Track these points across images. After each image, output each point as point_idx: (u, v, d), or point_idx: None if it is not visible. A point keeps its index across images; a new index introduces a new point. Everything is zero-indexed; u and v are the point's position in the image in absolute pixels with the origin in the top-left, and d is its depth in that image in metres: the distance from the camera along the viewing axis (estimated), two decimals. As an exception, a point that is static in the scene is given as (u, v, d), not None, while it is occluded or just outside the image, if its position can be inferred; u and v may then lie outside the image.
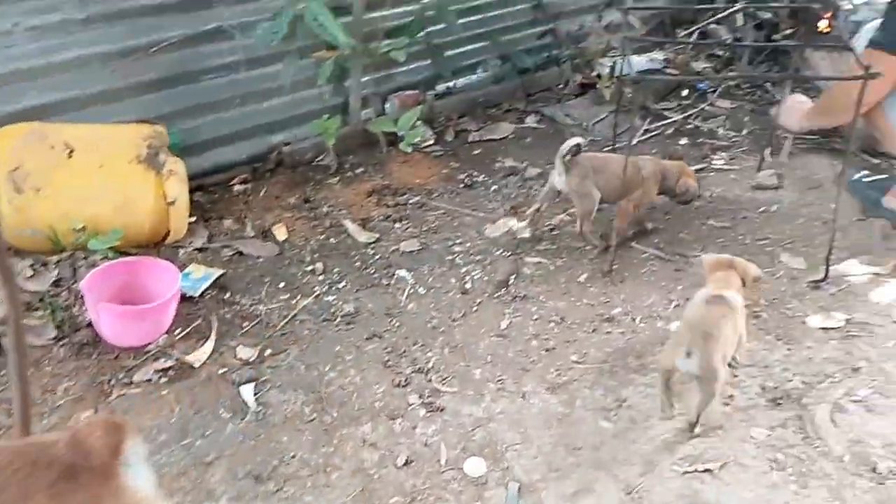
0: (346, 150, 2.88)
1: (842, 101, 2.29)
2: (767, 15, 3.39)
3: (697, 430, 1.68)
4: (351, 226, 2.50)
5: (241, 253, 2.36)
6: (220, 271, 2.24)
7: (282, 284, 2.23)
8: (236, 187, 2.68)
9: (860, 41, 2.47)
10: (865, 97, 1.97)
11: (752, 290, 1.88)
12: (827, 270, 2.15)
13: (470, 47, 3.28)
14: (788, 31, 3.30)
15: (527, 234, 2.43)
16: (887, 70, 2.16)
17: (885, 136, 2.40)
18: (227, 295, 2.19)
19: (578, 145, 2.27)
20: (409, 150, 2.77)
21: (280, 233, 2.45)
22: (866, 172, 2.59)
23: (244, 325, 2.07)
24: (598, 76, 3.33)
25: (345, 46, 2.50)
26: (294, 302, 2.16)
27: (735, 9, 3.28)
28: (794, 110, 2.82)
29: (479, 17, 3.23)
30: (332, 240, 2.44)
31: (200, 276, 2.21)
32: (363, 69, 2.84)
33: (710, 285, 1.77)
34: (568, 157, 2.26)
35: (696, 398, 1.67)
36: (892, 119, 2.33)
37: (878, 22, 2.54)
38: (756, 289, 1.95)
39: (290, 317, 2.10)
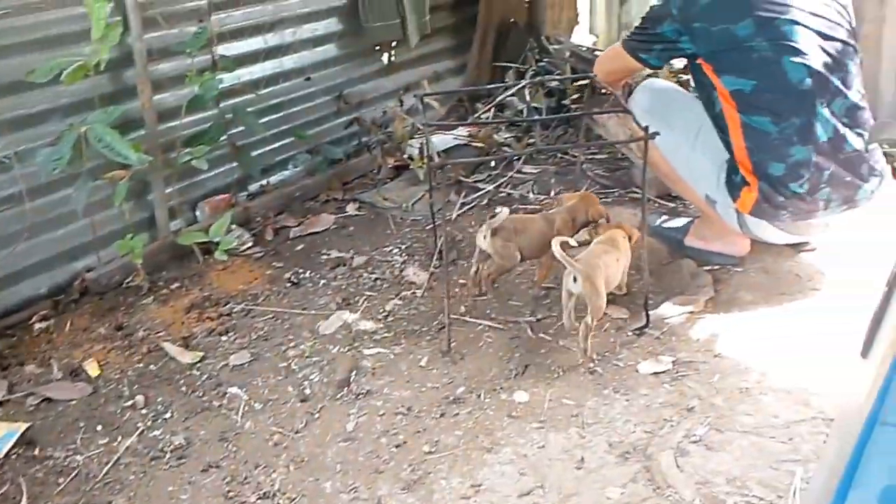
0: (158, 266, 2.71)
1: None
2: (555, 82, 3.62)
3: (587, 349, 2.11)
4: (171, 347, 2.33)
5: (48, 399, 2.12)
6: (26, 425, 2.00)
7: (99, 427, 2.02)
8: (37, 325, 2.43)
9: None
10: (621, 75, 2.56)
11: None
12: (647, 316, 2.26)
13: (277, 144, 3.24)
14: (576, 95, 3.54)
15: (367, 326, 2.39)
16: (625, 66, 2.51)
17: (669, 180, 2.60)
18: (37, 450, 1.95)
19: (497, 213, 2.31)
20: (226, 257, 2.65)
21: (92, 369, 2.24)
22: (665, 217, 2.79)
23: (60, 481, 1.84)
24: (410, 157, 3.39)
25: (138, 164, 2.37)
26: (115, 444, 1.95)
27: (524, 83, 3.48)
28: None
29: (282, 114, 3.20)
30: (151, 367, 2.25)
31: (2, 436, 1.96)
32: (166, 180, 2.71)
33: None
34: (496, 224, 2.28)
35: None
36: (673, 163, 2.51)
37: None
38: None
39: (111, 462, 1.89)
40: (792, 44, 2.16)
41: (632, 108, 2.34)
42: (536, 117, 3.58)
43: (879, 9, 3.34)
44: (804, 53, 2.17)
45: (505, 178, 3.30)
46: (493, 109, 3.70)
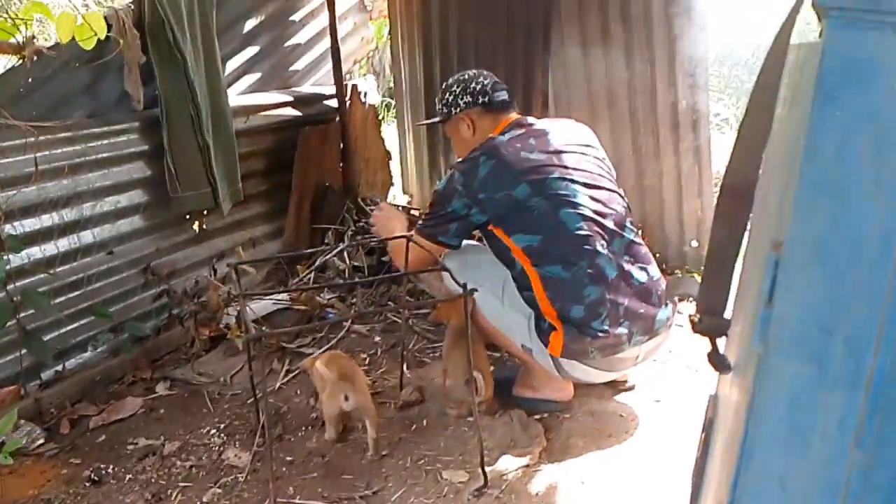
0: (-74, 478, 2.31)
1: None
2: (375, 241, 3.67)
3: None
4: (-59, 578, 1.95)
5: None
6: None
7: None
8: None
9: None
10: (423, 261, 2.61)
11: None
12: (485, 475, 2.20)
13: (75, 325, 2.96)
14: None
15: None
16: (424, 253, 2.58)
17: (488, 333, 2.64)
18: None
19: None
20: (11, 460, 2.30)
21: None
22: (492, 368, 2.80)
23: None
24: (227, 327, 3.23)
25: None
26: None
27: (342, 247, 3.49)
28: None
29: (80, 291, 2.96)
30: None
31: None
32: (-62, 376, 2.37)
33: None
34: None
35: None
36: (488, 318, 2.58)
37: None
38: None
39: None
40: (565, 197, 2.40)
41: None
42: (357, 279, 3.57)
43: (657, 164, 3.74)
44: (577, 204, 2.41)
45: (333, 340, 3.22)
46: (314, 272, 3.66)
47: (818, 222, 0.78)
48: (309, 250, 3.72)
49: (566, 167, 2.45)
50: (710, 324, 0.98)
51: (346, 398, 2.35)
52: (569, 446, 2.41)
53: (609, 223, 2.45)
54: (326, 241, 3.98)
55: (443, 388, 2.64)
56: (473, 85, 2.64)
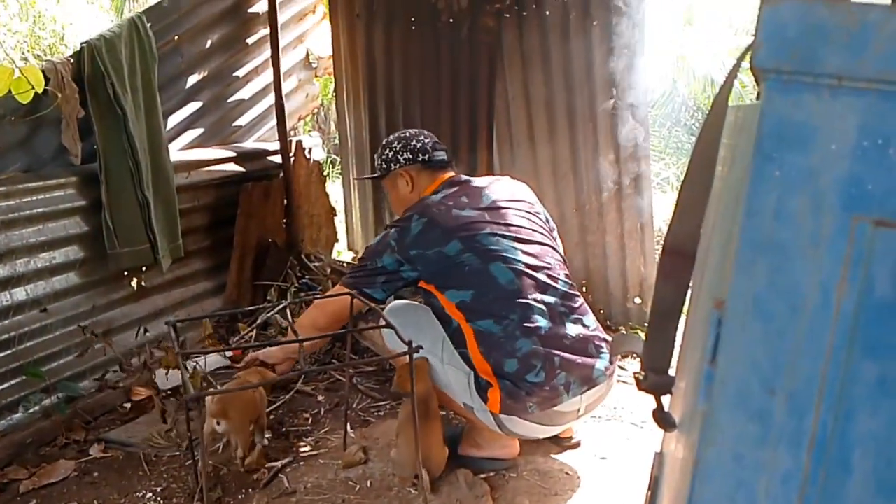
0: None
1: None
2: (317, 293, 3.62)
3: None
4: None
5: None
6: None
7: None
8: None
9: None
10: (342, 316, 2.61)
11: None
12: (431, 538, 2.15)
13: (5, 385, 2.83)
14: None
15: None
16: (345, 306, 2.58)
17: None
18: None
19: None
20: (-73, 533, 2.17)
21: None
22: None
23: None
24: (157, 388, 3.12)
25: None
26: None
27: (284, 304, 3.44)
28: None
29: (11, 351, 2.84)
30: None
31: None
32: None
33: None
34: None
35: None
36: (431, 377, 2.57)
37: None
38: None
39: None
40: (495, 252, 2.45)
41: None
42: (302, 337, 3.51)
43: (600, 221, 3.83)
44: (507, 259, 2.45)
45: (274, 399, 3.14)
46: (255, 329, 3.59)
47: (758, 280, 0.80)
48: (251, 308, 3.65)
49: (497, 223, 2.50)
50: (654, 381, 0.99)
51: (218, 423, 2.48)
52: (515, 506, 2.38)
53: (542, 276, 2.48)
54: (269, 297, 3.91)
55: (388, 451, 2.59)
56: (414, 143, 2.71)
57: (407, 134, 2.76)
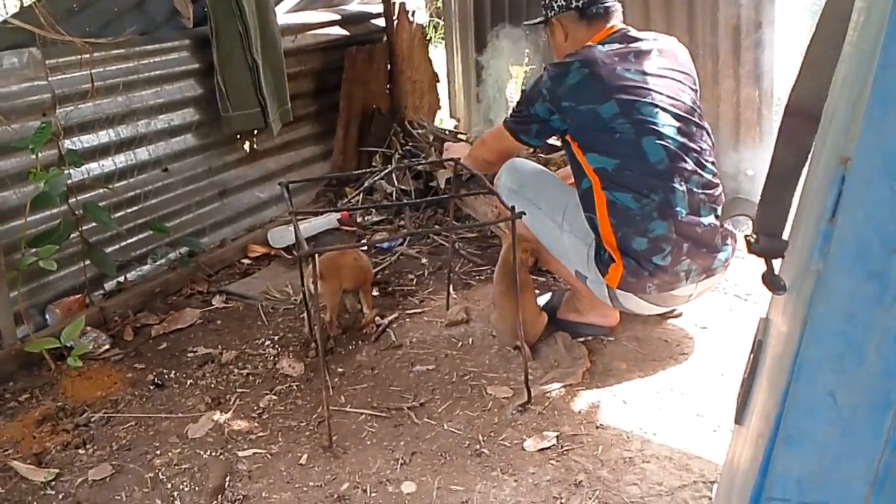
0: (4, 377, 2.46)
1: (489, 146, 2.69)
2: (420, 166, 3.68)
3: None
4: (21, 466, 2.09)
5: None
6: None
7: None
8: None
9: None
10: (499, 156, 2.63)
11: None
12: (529, 392, 2.26)
13: (134, 239, 3.07)
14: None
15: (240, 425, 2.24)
16: (503, 147, 2.58)
17: (539, 257, 2.66)
18: None
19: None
20: (80, 363, 2.44)
21: (-78, 502, 1.97)
22: (537, 292, 2.83)
23: None
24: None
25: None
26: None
27: (389, 169, 3.50)
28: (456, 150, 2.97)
29: (138, 207, 3.06)
30: (-2, 492, 2.01)
31: None
32: (10, 283, 2.49)
33: None
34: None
35: None
36: (542, 241, 2.59)
37: None
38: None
39: None
40: (652, 126, 2.27)
41: (498, 189, 2.39)
42: (406, 201, 3.60)
43: (715, 89, 3.64)
44: (663, 135, 2.27)
45: (381, 260, 3.28)
46: (361, 193, 3.70)
47: (888, 136, 0.77)
48: (357, 171, 3.74)
49: (661, 94, 2.31)
50: (767, 244, 0.98)
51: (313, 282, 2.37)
52: (612, 369, 2.44)
53: (691, 160, 2.32)
54: (374, 163, 4.00)
55: (488, 313, 2.68)
56: None
57: None
